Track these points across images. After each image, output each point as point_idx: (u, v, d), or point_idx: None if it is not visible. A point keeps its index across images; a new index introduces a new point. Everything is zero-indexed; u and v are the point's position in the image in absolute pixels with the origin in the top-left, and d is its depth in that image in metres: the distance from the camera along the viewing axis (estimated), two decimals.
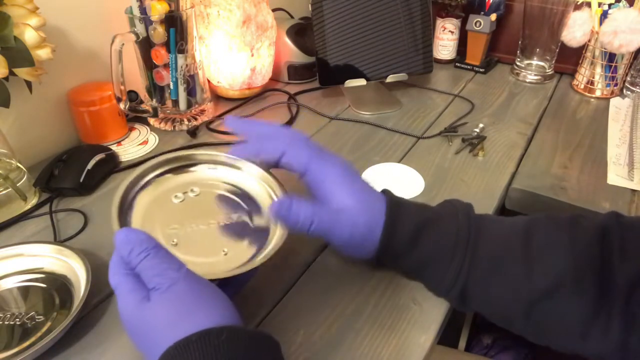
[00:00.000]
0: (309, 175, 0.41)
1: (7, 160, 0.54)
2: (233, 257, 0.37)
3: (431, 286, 0.43)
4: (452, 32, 0.90)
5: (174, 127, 0.70)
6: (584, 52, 0.81)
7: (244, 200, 0.42)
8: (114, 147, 0.65)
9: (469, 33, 0.88)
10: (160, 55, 0.64)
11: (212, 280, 0.33)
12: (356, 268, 0.46)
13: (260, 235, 0.39)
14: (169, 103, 0.69)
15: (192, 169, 0.44)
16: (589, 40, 0.79)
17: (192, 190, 0.42)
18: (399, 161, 0.62)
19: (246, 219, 0.41)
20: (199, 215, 0.40)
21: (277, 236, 0.38)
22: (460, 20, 0.88)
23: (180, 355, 0.27)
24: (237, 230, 0.39)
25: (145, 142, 0.67)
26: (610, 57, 0.77)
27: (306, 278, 0.45)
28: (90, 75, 0.67)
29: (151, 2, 0.61)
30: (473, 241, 0.39)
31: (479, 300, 0.40)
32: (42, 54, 0.52)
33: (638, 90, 0.78)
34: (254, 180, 0.44)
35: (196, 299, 0.30)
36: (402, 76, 0.78)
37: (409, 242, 0.40)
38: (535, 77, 0.86)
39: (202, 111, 0.72)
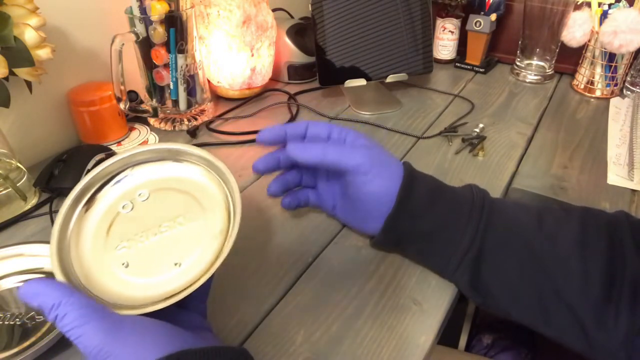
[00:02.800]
0: (332, 137, 0.44)
1: (7, 160, 0.54)
2: (187, 268, 0.34)
3: (444, 255, 0.41)
4: (452, 32, 0.90)
5: (174, 127, 0.70)
6: (584, 52, 0.81)
7: (194, 195, 0.39)
8: (114, 147, 0.65)
9: (469, 33, 0.88)
10: (160, 55, 0.64)
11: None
12: (356, 268, 0.46)
13: (213, 236, 0.36)
14: (169, 103, 0.69)
15: (133, 171, 0.41)
16: (589, 40, 0.79)
17: (140, 195, 0.39)
18: None
19: (197, 218, 0.37)
20: (149, 223, 0.37)
21: (230, 238, 0.35)
22: (460, 20, 0.88)
23: None
24: (189, 234, 0.36)
25: (145, 142, 0.67)
26: (610, 57, 0.77)
27: (306, 278, 0.45)
28: (90, 75, 0.67)
29: (151, 2, 0.61)
30: (488, 209, 0.41)
31: (491, 272, 0.40)
32: (42, 54, 0.52)
33: (638, 90, 0.78)
34: (199, 171, 0.40)
35: (129, 343, 0.28)
36: (402, 76, 0.78)
37: (427, 201, 0.41)
38: (535, 77, 0.86)
39: (202, 111, 0.72)
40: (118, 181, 0.40)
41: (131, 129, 0.70)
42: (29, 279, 0.29)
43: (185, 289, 0.32)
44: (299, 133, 0.45)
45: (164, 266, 0.35)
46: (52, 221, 0.52)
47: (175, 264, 0.35)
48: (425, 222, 0.41)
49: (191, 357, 0.27)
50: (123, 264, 0.35)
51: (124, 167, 0.41)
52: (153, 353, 0.27)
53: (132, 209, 0.38)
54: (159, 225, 0.37)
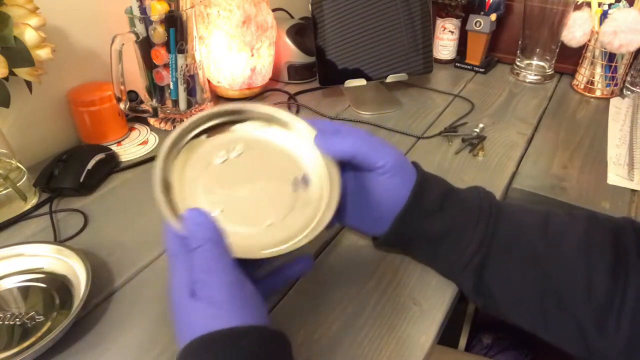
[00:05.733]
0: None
1: (7, 160, 0.54)
2: (278, 230, 0.35)
3: (450, 259, 0.41)
4: (452, 32, 0.90)
5: (174, 127, 0.70)
6: (584, 52, 0.81)
7: (292, 165, 0.39)
8: (114, 147, 0.65)
9: (469, 33, 0.88)
10: (160, 55, 0.64)
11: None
12: (356, 268, 0.46)
13: (307, 208, 0.37)
14: (169, 103, 0.69)
15: (234, 127, 0.41)
16: (589, 40, 0.79)
17: (234, 149, 0.39)
18: None
19: (295, 186, 0.38)
20: (244, 178, 0.37)
21: (321, 211, 0.36)
22: (460, 20, 0.88)
23: (203, 349, 0.28)
24: (285, 199, 0.37)
25: (145, 142, 0.67)
26: (610, 57, 0.77)
27: (306, 278, 0.45)
28: (90, 75, 0.67)
29: (151, 2, 0.61)
30: (495, 214, 0.41)
31: (495, 275, 0.40)
32: (42, 54, 0.52)
33: (638, 90, 0.78)
34: (305, 144, 0.40)
35: (232, 304, 0.30)
36: (402, 76, 0.78)
37: (437, 204, 0.41)
38: (535, 77, 0.86)
39: (202, 111, 0.72)
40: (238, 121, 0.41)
41: (131, 129, 0.70)
42: (189, 209, 0.32)
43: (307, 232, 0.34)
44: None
45: (256, 220, 0.35)
46: (52, 221, 0.52)
47: (267, 223, 0.35)
48: (434, 224, 0.41)
49: (265, 336, 0.29)
50: (218, 210, 0.35)
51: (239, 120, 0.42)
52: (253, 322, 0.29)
53: (224, 161, 0.39)
54: (254, 185, 0.37)
